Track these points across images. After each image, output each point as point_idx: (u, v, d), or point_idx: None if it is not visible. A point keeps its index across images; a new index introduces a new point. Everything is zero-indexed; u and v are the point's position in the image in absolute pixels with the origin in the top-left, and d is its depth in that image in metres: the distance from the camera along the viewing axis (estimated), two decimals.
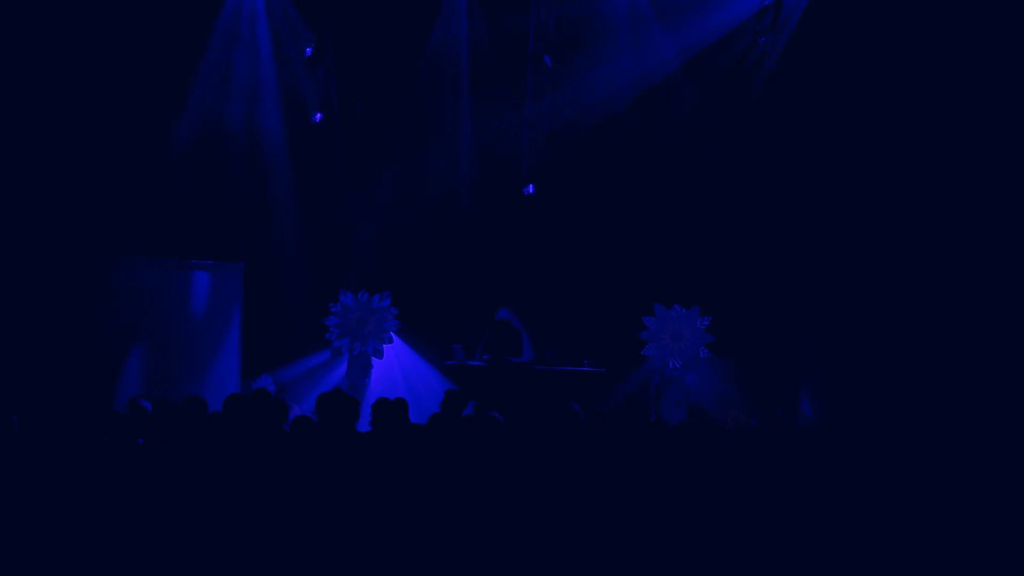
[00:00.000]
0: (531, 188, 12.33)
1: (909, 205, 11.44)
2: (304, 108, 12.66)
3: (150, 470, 5.51)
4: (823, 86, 11.94)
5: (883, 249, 11.64)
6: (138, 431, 6.39)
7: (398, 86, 12.82)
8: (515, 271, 13.07)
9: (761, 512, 5.38)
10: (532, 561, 5.20)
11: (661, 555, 5.25)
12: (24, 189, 10.92)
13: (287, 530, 5.25)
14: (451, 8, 12.77)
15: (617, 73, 12.70)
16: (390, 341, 12.37)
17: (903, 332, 11.34)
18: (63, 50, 11.03)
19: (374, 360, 12.36)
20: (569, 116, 12.80)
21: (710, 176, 12.63)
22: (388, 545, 5.24)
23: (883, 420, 10.08)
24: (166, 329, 11.58)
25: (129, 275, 11.49)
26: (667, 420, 9.80)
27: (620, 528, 5.32)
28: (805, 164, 12.31)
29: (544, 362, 12.57)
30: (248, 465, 5.62)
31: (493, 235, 13.07)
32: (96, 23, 11.22)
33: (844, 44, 11.60)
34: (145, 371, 11.16)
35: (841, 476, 5.78)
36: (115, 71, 11.38)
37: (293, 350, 12.67)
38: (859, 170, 11.81)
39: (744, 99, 12.46)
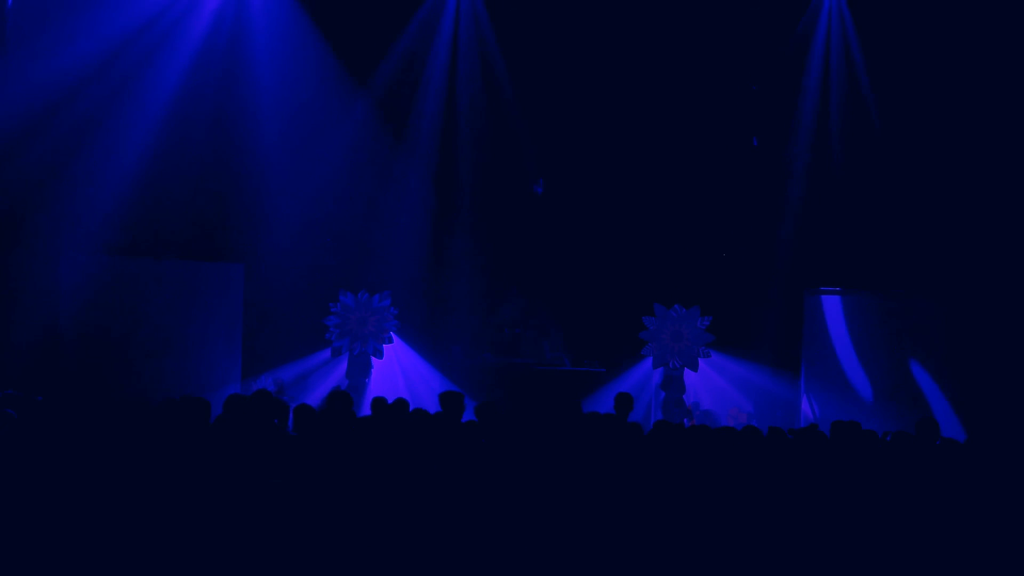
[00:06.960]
0: (539, 189, 12.34)
1: (909, 202, 11.47)
2: (307, 107, 12.67)
3: (151, 470, 5.51)
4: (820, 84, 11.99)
5: (882, 247, 11.65)
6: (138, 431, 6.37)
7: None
8: (515, 271, 13.07)
9: (764, 514, 5.38)
10: (531, 561, 5.20)
11: (661, 556, 5.24)
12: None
13: (286, 530, 5.24)
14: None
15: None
16: (390, 341, 12.36)
17: (904, 330, 11.35)
18: None
19: (374, 360, 12.35)
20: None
21: (710, 176, 12.64)
22: (385, 546, 5.24)
23: (889, 421, 10.08)
24: (166, 329, 11.57)
25: (130, 275, 11.48)
26: (667, 420, 9.80)
27: (619, 527, 5.32)
28: (804, 162, 12.33)
29: (544, 362, 12.57)
30: (249, 465, 5.61)
31: (494, 235, 13.07)
32: None
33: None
34: (145, 371, 11.14)
35: (846, 479, 5.77)
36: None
37: (293, 350, 12.67)
38: (857, 167, 11.83)
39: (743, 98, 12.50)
